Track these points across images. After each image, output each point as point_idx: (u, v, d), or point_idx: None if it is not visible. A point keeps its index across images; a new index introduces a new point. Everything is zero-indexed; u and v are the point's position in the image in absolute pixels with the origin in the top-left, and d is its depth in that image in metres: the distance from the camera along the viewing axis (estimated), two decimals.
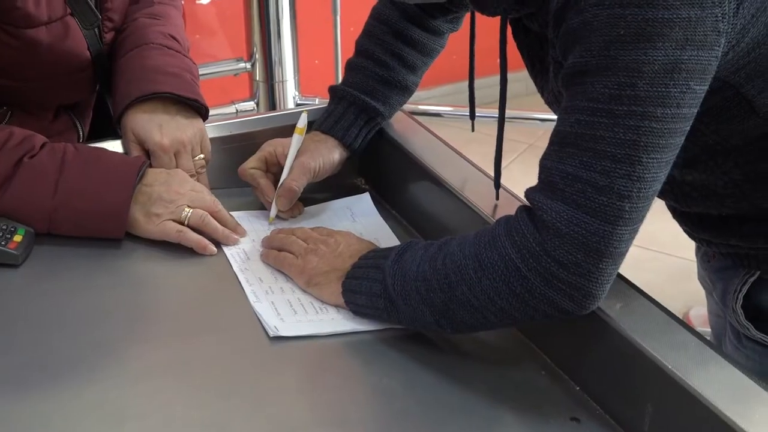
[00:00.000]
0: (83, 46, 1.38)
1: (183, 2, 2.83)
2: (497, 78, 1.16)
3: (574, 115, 0.95)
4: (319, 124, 1.37)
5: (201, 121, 1.36)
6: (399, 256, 1.08)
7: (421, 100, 3.91)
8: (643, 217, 0.96)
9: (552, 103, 1.15)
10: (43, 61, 1.33)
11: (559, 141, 0.97)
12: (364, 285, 1.09)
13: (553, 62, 1.06)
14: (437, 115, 2.57)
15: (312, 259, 1.17)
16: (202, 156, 1.34)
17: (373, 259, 1.11)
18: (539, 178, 1.00)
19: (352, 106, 1.37)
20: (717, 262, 1.27)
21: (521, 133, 3.43)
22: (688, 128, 0.96)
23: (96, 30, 1.39)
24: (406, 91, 1.41)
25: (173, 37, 1.44)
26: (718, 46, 0.94)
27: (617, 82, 0.92)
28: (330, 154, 1.34)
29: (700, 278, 1.37)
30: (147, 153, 1.31)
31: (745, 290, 1.20)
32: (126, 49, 1.42)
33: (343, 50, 2.68)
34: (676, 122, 0.93)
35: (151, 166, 1.29)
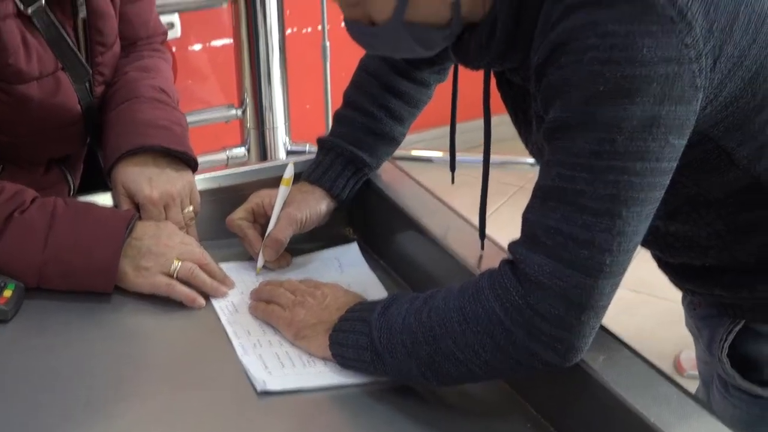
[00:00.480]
0: (74, 100, 1.39)
1: (174, 49, 2.87)
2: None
3: (555, 170, 0.97)
4: (306, 174, 1.39)
5: (190, 173, 1.37)
6: (385, 309, 1.09)
7: (412, 143, 3.94)
8: (625, 269, 0.98)
9: (536, 154, 1.17)
10: (34, 115, 1.35)
11: (541, 195, 0.99)
12: (351, 338, 1.10)
13: (535, 116, 1.08)
14: (428, 160, 2.60)
15: (299, 311, 1.18)
16: (191, 208, 1.35)
17: (359, 312, 1.12)
18: (522, 231, 1.01)
19: (340, 157, 1.38)
20: (702, 311, 1.28)
21: (511, 176, 3.45)
22: (668, 182, 0.97)
23: (87, 84, 1.41)
24: (393, 141, 1.42)
25: (163, 90, 1.46)
26: (696, 101, 0.96)
27: (597, 137, 0.93)
28: (317, 204, 1.36)
29: (688, 325, 1.38)
30: (137, 206, 1.33)
31: (730, 339, 1.21)
32: (116, 102, 1.43)
33: (333, 95, 2.71)
34: (655, 176, 0.95)
35: (140, 219, 1.30)
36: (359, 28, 1.11)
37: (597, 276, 0.95)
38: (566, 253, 0.95)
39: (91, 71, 1.40)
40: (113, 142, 1.38)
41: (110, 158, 1.36)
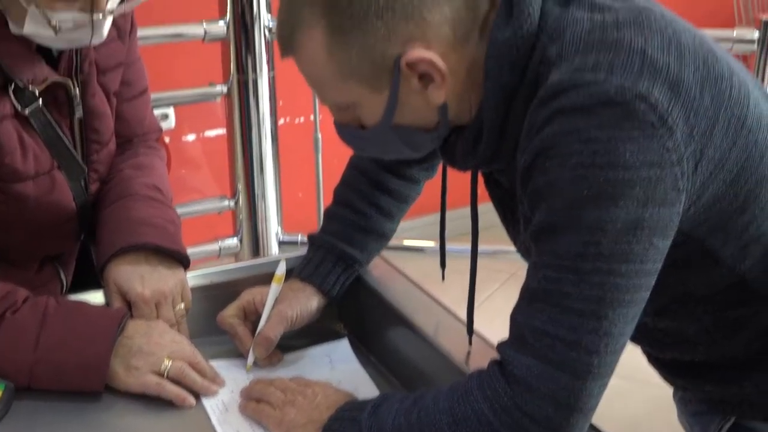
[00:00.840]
0: (69, 198, 1.41)
1: (168, 139, 2.90)
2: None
3: (542, 271, 0.98)
4: (297, 272, 1.40)
5: (182, 271, 1.38)
6: (375, 408, 1.09)
7: (404, 231, 3.95)
8: (613, 370, 0.98)
9: (524, 253, 1.19)
10: (29, 214, 1.36)
11: (528, 296, 1.00)
12: None
13: (522, 217, 1.10)
14: (419, 249, 2.61)
15: (290, 411, 1.18)
16: (182, 306, 1.36)
17: (349, 412, 1.12)
18: (510, 331, 1.02)
19: (330, 254, 1.40)
20: (693, 407, 1.28)
21: (503, 263, 3.45)
22: (653, 282, 0.99)
23: (82, 182, 1.43)
24: (383, 237, 1.44)
25: (157, 188, 1.48)
26: (679, 203, 0.97)
27: (582, 240, 0.95)
28: (308, 302, 1.36)
29: (680, 420, 1.38)
30: (129, 304, 1.33)
31: None
32: (111, 200, 1.45)
33: (326, 185, 2.73)
34: (640, 278, 0.96)
35: (132, 317, 1.30)
36: (349, 130, 1.14)
37: (585, 377, 0.96)
38: (554, 355, 0.96)
39: (86, 169, 1.42)
40: (106, 240, 1.39)
41: (103, 256, 1.37)
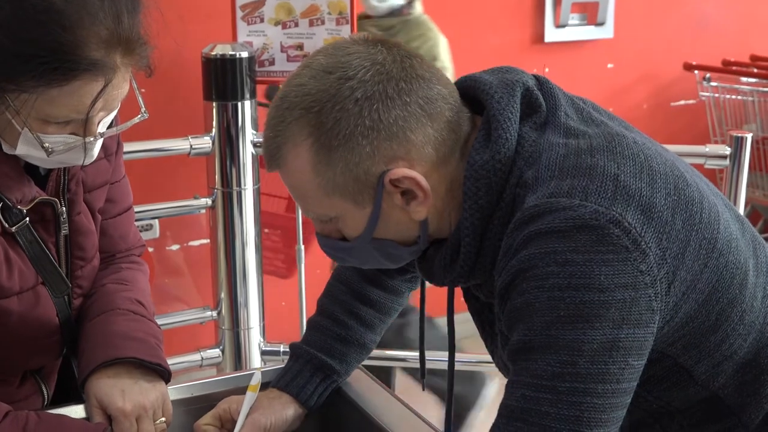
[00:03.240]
0: (53, 313, 1.42)
1: (152, 249, 2.92)
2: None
3: (520, 390, 1.00)
4: (275, 381, 1.41)
5: (164, 384, 1.39)
6: None
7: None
8: None
9: (501, 368, 1.20)
10: (12, 328, 1.36)
11: (506, 414, 1.01)
12: None
13: (500, 333, 1.12)
14: (403, 360, 2.61)
15: None
16: (163, 420, 1.36)
17: None
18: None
19: (309, 363, 1.41)
20: None
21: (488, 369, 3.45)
22: (629, 401, 1.00)
23: (66, 297, 1.44)
24: (364, 348, 1.45)
25: (139, 302, 1.49)
26: (653, 323, 1.00)
27: (559, 360, 0.97)
28: (283, 410, 1.37)
29: None
30: (109, 418, 1.33)
31: None
32: (93, 314, 1.46)
33: (308, 294, 2.75)
34: (617, 397, 0.98)
35: (113, 431, 1.30)
36: (330, 242, 1.16)
37: None
38: None
39: (70, 285, 1.44)
40: (88, 354, 1.39)
41: (84, 370, 1.37)
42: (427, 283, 1.31)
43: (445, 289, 1.23)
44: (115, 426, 1.32)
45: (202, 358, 2.54)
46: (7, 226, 1.32)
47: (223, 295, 2.58)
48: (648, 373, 1.03)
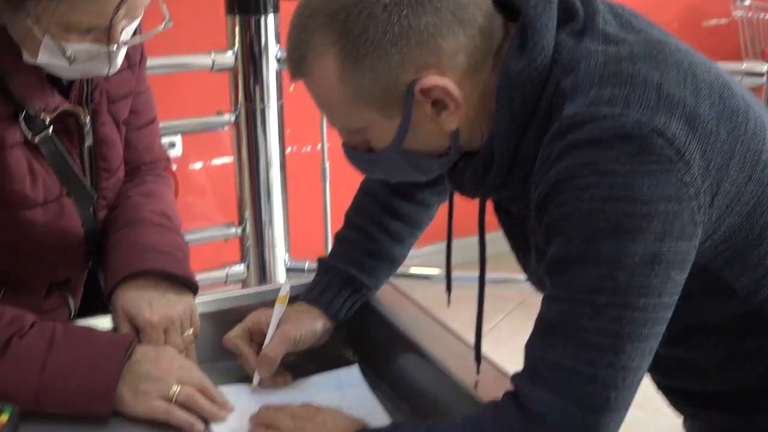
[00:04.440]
0: (77, 225, 1.40)
1: (175, 167, 2.91)
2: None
3: (558, 305, 0.97)
4: (304, 294, 1.39)
5: (191, 296, 1.38)
6: None
7: (410, 259, 3.95)
8: (629, 404, 0.97)
9: (535, 283, 1.18)
10: (37, 240, 1.35)
11: (543, 328, 0.99)
12: None
13: (535, 247, 1.09)
14: (425, 277, 2.60)
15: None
16: (191, 331, 1.35)
17: None
18: (524, 363, 1.01)
19: (338, 277, 1.39)
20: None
21: (510, 292, 3.44)
22: (670, 315, 0.98)
23: (91, 208, 1.43)
24: (394, 262, 1.43)
25: (165, 215, 1.48)
26: (696, 237, 0.97)
27: (598, 273, 0.94)
28: (312, 323, 1.36)
29: None
30: (136, 329, 1.32)
31: None
32: (119, 226, 1.45)
33: (333, 213, 2.73)
34: (657, 311, 0.96)
35: (140, 342, 1.30)
36: (357, 153, 1.13)
37: (602, 412, 0.95)
38: (570, 389, 0.95)
39: (95, 196, 1.42)
40: (114, 266, 1.38)
41: (111, 282, 1.36)
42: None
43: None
44: (143, 337, 1.32)
45: (227, 274, 2.54)
46: (29, 136, 1.30)
47: (247, 213, 2.57)
48: (689, 288, 1.01)
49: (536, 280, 1.16)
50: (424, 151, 1.10)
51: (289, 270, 2.56)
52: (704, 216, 0.97)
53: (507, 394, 1.01)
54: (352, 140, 1.13)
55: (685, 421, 1.33)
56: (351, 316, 1.40)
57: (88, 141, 1.40)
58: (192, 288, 1.38)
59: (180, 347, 1.33)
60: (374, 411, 1.31)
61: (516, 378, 1.01)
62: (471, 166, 1.11)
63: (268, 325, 1.34)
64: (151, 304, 1.33)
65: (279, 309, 1.35)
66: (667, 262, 0.95)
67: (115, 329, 1.35)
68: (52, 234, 1.36)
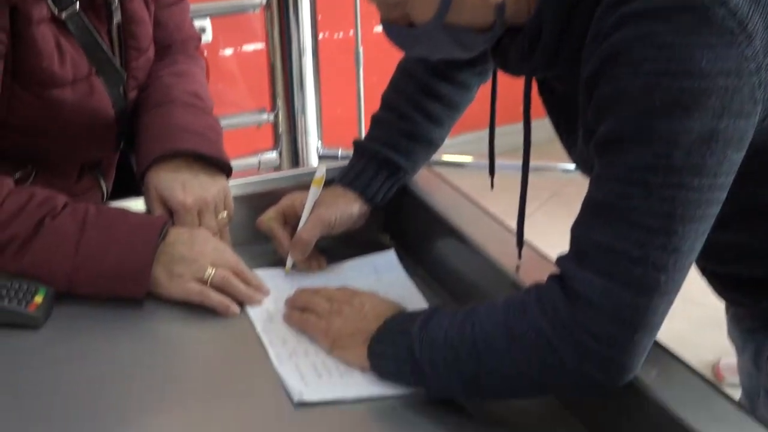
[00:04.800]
0: (108, 105, 1.37)
1: (206, 53, 2.85)
2: (521, 125, 1.14)
3: (608, 185, 0.93)
4: (339, 178, 1.36)
5: (224, 179, 1.35)
6: (425, 321, 1.05)
7: (444, 148, 3.90)
8: (679, 287, 0.94)
9: (579, 163, 1.13)
10: (67, 120, 1.32)
11: (591, 209, 0.95)
12: (390, 350, 1.07)
13: (582, 127, 1.04)
14: (460, 165, 2.56)
15: (336, 320, 1.15)
16: (225, 214, 1.33)
17: (399, 324, 1.09)
18: (571, 245, 0.97)
19: (374, 159, 1.35)
20: (747, 323, 1.24)
21: (545, 182, 3.40)
22: (724, 197, 0.93)
23: (121, 88, 1.39)
24: (432, 145, 1.39)
25: (197, 95, 1.44)
26: (755, 114, 0.92)
27: (652, 152, 0.90)
28: (348, 207, 1.32)
29: (731, 336, 1.33)
30: (170, 211, 1.30)
31: None
32: (150, 106, 1.41)
33: (366, 100, 2.68)
34: (712, 192, 0.91)
35: (174, 224, 1.27)
36: (397, 29, 1.08)
37: (651, 295, 0.91)
38: (618, 271, 0.91)
39: (125, 75, 1.38)
40: (146, 147, 1.35)
41: (143, 162, 1.33)
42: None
43: (506, 98, 1.14)
44: (177, 219, 1.29)
45: (260, 161, 2.51)
46: (56, 12, 1.26)
47: (279, 101, 2.52)
48: (744, 168, 0.96)
49: (582, 162, 1.11)
50: (467, 26, 1.05)
51: (321, 157, 2.53)
52: (765, 93, 0.92)
53: (551, 277, 0.98)
54: (391, 15, 1.07)
55: (727, 309, 1.30)
56: (388, 199, 1.36)
57: (117, 18, 1.36)
58: (225, 170, 1.35)
59: (214, 230, 1.30)
60: (411, 295, 1.29)
61: (561, 260, 0.98)
62: (517, 42, 1.05)
63: (302, 208, 1.31)
64: (184, 185, 1.30)
65: (314, 192, 1.31)
66: (724, 140, 0.90)
67: (148, 211, 1.32)
68: (82, 114, 1.33)
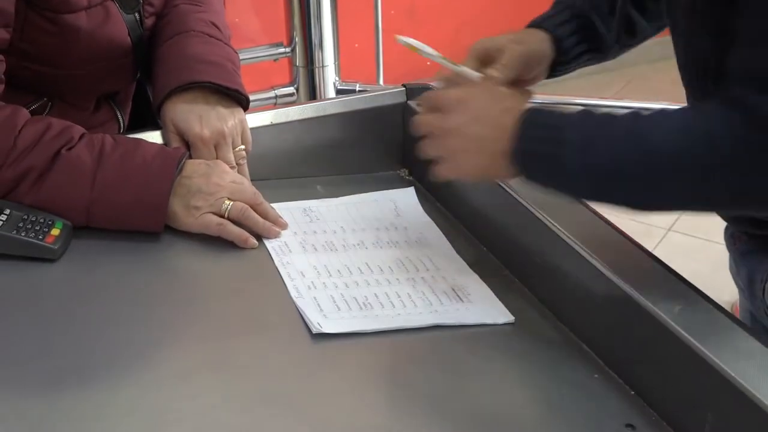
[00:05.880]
0: (124, 32, 1.35)
1: None
2: None
3: None
4: (528, 23, 1.23)
5: (242, 111, 1.33)
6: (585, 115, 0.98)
7: None
8: None
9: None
10: (83, 47, 1.30)
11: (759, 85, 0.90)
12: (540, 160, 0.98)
13: None
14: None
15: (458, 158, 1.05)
16: (242, 147, 1.31)
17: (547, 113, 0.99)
18: (742, 80, 0.92)
19: (568, 9, 1.22)
20: (743, 246, 1.21)
21: None
22: None
23: (137, 15, 1.36)
24: (608, 51, 1.25)
25: (214, 25, 1.41)
26: None
27: None
28: (540, 44, 1.19)
29: (730, 268, 1.30)
30: (187, 144, 1.28)
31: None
32: (166, 36, 1.39)
33: (384, 33, 2.64)
34: None
35: (190, 157, 1.26)
36: None
37: None
38: None
39: (140, 1, 1.35)
40: (163, 78, 1.33)
41: (159, 94, 1.31)
42: None
43: None
44: (194, 152, 1.28)
45: (276, 95, 2.49)
46: None
47: (296, 34, 2.49)
48: None
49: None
50: None
51: (339, 92, 2.50)
52: None
53: (720, 107, 0.92)
54: None
55: (726, 231, 1.25)
56: (577, 55, 1.21)
57: None
58: (243, 102, 1.33)
59: (231, 163, 1.29)
60: (430, 231, 1.27)
61: (735, 91, 0.92)
62: None
63: (498, 51, 1.16)
64: (201, 118, 1.28)
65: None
66: None
67: (165, 143, 1.31)
68: (97, 40, 1.31)
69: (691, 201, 0.96)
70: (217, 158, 1.28)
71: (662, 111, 0.96)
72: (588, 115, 0.99)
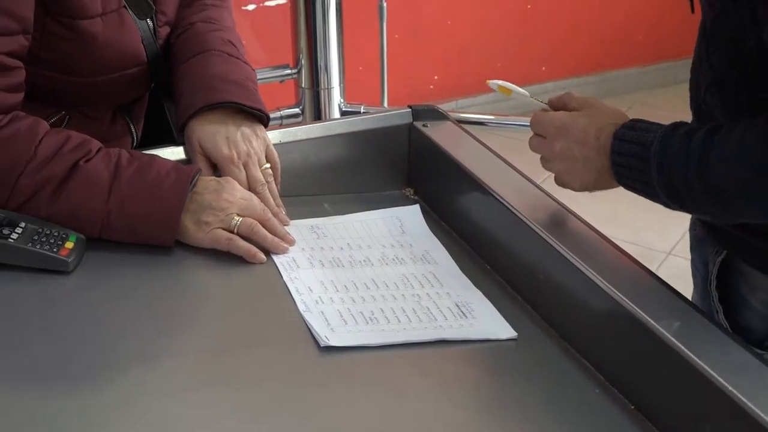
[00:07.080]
0: (138, 40, 1.37)
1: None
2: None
3: None
4: None
5: (263, 129, 1.36)
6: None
7: (464, 107, 3.91)
8: None
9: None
10: (99, 54, 1.32)
11: None
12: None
13: None
14: (481, 123, 2.55)
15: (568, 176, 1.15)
16: (268, 165, 1.34)
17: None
18: None
19: None
20: (700, 231, 1.23)
21: None
22: None
23: (150, 23, 1.39)
24: None
25: (231, 43, 1.44)
26: None
27: None
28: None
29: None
30: (210, 162, 1.32)
31: (716, 270, 1.17)
32: (188, 55, 1.41)
33: (389, 57, 2.67)
34: None
35: (203, 174, 1.28)
36: None
37: None
38: None
39: (153, 6, 1.37)
40: (188, 98, 1.36)
41: (184, 113, 1.34)
42: None
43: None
44: (223, 173, 1.30)
45: (282, 116, 2.51)
46: None
47: (302, 56, 2.52)
48: None
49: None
50: None
51: (343, 113, 2.53)
52: None
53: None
54: None
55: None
56: None
57: None
58: (264, 121, 1.36)
59: (262, 181, 1.31)
60: (435, 249, 1.30)
61: None
62: None
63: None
64: (228, 139, 1.31)
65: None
66: None
67: (188, 160, 1.33)
68: (113, 48, 1.33)
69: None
70: (246, 178, 1.31)
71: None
72: (677, 127, 1.03)
